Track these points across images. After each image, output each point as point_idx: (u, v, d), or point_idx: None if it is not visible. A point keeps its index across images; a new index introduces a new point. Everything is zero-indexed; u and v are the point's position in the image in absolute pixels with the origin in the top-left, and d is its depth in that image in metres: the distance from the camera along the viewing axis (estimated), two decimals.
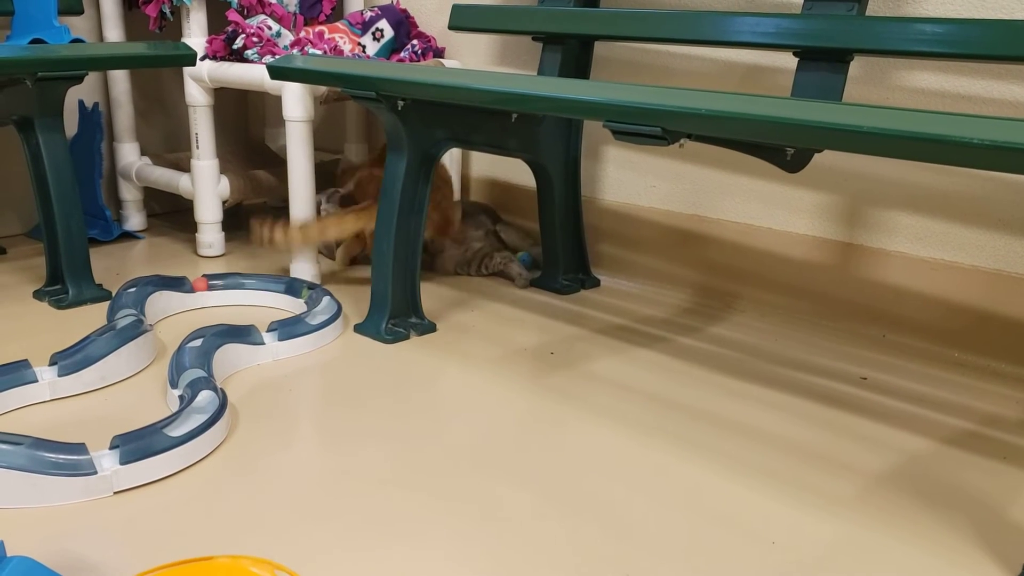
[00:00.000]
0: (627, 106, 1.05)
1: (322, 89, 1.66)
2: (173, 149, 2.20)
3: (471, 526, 0.93)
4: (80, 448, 0.98)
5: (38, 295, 1.59)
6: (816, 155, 1.28)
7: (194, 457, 1.04)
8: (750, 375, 1.33)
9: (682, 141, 1.07)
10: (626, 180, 1.78)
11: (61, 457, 0.96)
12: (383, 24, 1.87)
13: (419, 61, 1.87)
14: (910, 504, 0.99)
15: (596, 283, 1.77)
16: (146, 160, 2.03)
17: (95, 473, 0.96)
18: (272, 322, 1.38)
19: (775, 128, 0.93)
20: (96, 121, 1.92)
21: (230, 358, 1.29)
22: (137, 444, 0.99)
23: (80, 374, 1.21)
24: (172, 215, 2.23)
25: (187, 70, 1.77)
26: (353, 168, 1.92)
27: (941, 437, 1.15)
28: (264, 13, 1.79)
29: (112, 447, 0.99)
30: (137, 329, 1.30)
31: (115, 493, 0.97)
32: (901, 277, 1.46)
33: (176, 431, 1.03)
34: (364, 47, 1.85)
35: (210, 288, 1.57)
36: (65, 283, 1.56)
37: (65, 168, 1.52)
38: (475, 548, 0.89)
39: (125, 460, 0.98)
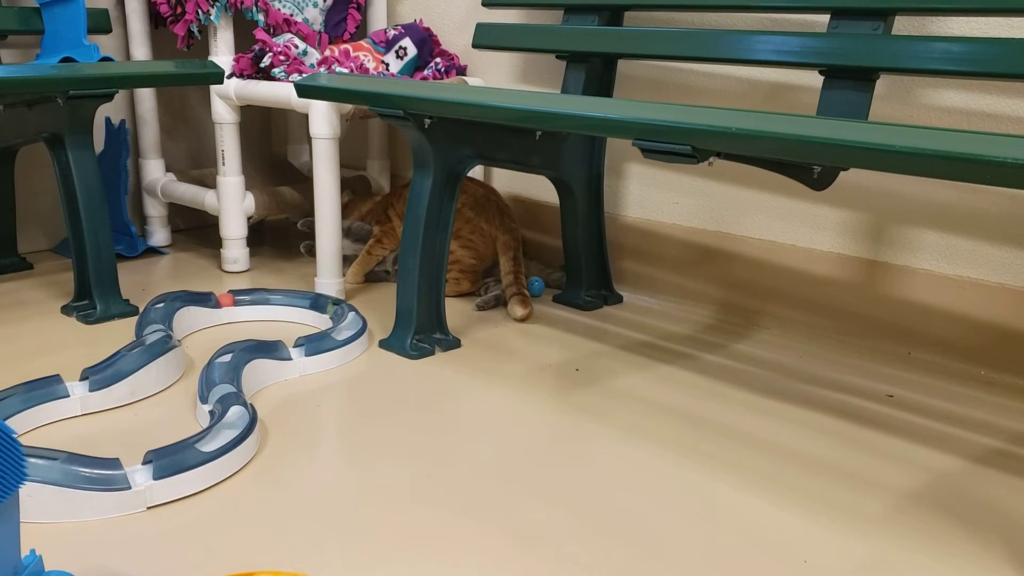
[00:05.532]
0: (657, 124, 1.05)
1: (348, 107, 1.68)
2: (198, 166, 2.22)
3: (502, 544, 0.93)
4: (114, 463, 0.98)
5: (66, 310, 1.61)
6: (841, 172, 1.28)
7: (226, 472, 1.04)
8: (775, 392, 1.33)
9: (711, 159, 1.07)
10: (649, 197, 1.78)
11: (95, 472, 0.97)
12: (406, 42, 1.89)
13: (442, 79, 1.88)
14: (940, 522, 0.99)
15: (619, 299, 1.77)
16: (171, 176, 2.05)
17: (129, 488, 0.97)
18: (299, 338, 1.39)
19: (805, 147, 0.94)
20: (123, 138, 1.94)
21: (258, 373, 1.30)
22: (170, 459, 1.00)
23: (111, 389, 1.22)
24: (196, 231, 2.25)
25: (214, 88, 1.79)
26: (359, 200, 1.93)
27: (969, 455, 1.15)
28: (290, 32, 1.81)
29: (145, 462, 1.00)
30: (166, 344, 1.31)
31: (148, 508, 0.98)
32: (926, 294, 1.46)
33: (208, 446, 1.04)
34: (387, 65, 1.87)
35: (236, 304, 1.59)
36: (93, 298, 1.57)
37: (94, 185, 1.54)
38: (506, 567, 0.89)
39: (158, 475, 0.98)
